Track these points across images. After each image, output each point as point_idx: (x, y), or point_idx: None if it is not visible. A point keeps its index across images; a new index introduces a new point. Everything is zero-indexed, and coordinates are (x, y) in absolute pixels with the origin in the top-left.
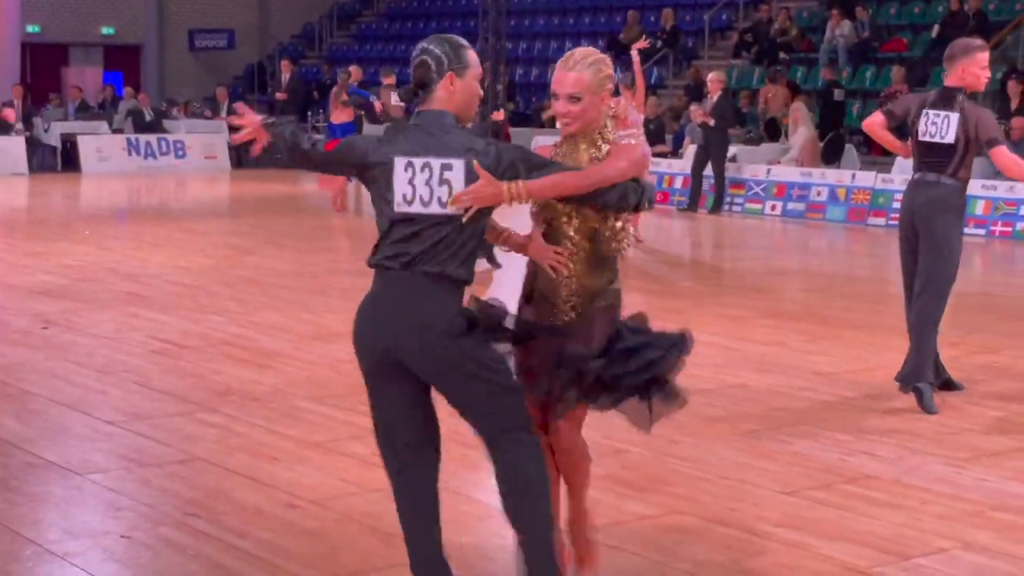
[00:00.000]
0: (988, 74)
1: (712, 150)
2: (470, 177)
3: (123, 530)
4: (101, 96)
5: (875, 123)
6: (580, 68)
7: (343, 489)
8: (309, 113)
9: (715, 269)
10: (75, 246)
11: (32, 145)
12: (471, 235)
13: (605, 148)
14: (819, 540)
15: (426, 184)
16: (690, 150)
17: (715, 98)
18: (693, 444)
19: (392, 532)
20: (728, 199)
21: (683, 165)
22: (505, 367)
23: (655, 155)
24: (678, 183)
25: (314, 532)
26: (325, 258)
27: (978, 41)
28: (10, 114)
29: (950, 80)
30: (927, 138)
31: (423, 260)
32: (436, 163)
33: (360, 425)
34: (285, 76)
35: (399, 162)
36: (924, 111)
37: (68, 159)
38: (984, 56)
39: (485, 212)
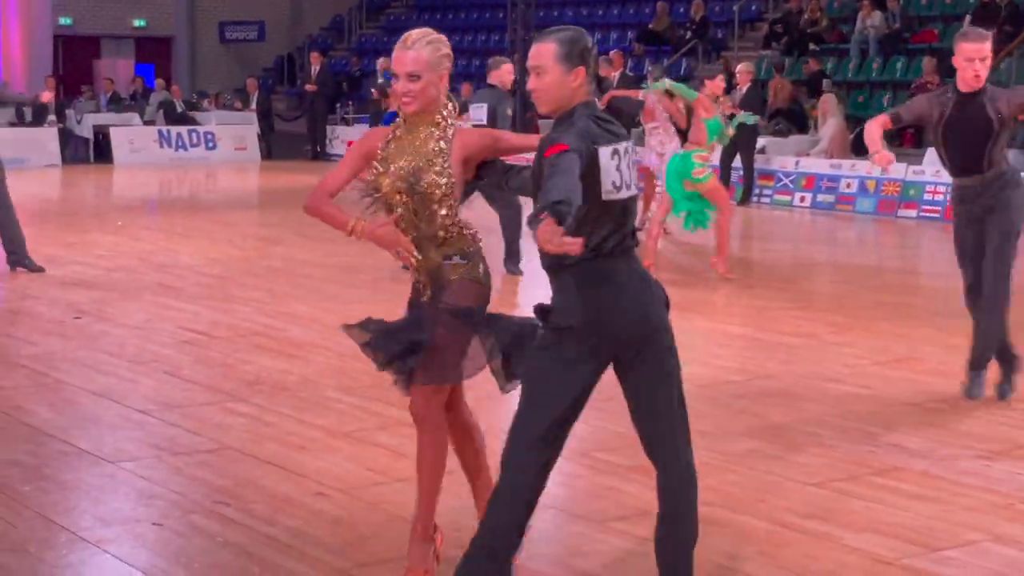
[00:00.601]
0: (975, 68)
1: (741, 142)
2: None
3: (154, 517)
4: (132, 88)
5: None
6: (419, 47)
7: (371, 479)
8: (338, 105)
9: (744, 261)
10: (107, 237)
11: (65, 136)
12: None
13: (451, 131)
14: (847, 532)
15: (628, 168)
16: None
17: (744, 90)
18: (721, 435)
19: None
20: (757, 191)
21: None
22: None
23: None
24: None
25: (342, 520)
26: (353, 249)
27: (970, 30)
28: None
29: None
30: None
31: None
32: (628, 146)
33: (388, 416)
34: (315, 68)
35: (604, 151)
36: None
37: (100, 150)
38: (968, 47)
39: None
